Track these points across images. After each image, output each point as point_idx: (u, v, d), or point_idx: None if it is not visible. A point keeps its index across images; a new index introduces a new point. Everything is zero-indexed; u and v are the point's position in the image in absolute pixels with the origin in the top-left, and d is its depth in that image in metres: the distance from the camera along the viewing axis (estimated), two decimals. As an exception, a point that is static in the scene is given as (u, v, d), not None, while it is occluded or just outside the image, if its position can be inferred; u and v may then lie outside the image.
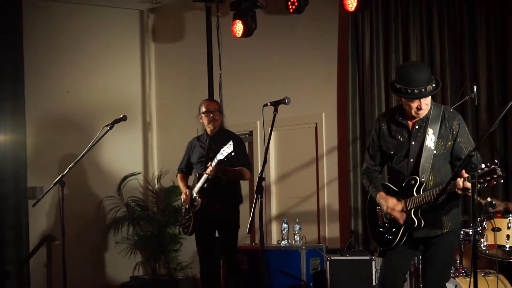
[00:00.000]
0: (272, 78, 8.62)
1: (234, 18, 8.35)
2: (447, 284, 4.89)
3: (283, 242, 7.54)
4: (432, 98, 4.75)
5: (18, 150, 8.65)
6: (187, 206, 6.88)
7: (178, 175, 7.16)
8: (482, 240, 5.70)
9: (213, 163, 6.49)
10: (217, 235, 6.88)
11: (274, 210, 8.62)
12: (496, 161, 4.30)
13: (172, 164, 7.31)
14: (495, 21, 6.75)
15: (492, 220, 5.70)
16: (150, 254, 9.42)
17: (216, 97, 8.74)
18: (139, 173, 9.82)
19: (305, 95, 8.19)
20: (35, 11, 9.08)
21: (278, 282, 7.29)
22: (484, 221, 5.72)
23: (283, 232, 7.56)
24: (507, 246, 5.66)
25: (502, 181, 4.33)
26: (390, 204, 4.77)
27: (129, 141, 9.74)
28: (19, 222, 8.60)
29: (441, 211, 4.71)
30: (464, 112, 6.73)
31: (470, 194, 4.37)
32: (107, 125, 6.09)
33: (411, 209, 4.71)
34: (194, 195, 6.77)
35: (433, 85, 4.63)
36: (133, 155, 9.86)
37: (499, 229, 5.66)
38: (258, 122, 8.69)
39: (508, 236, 5.65)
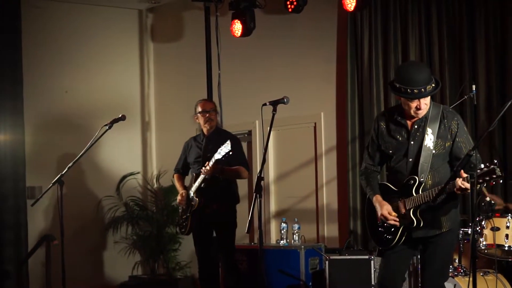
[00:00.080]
0: (271, 78, 8.62)
1: (233, 18, 8.34)
2: (446, 284, 4.89)
3: (282, 241, 7.55)
4: (431, 98, 4.76)
5: (17, 150, 8.64)
6: (184, 206, 6.88)
7: (175, 175, 7.16)
8: (481, 239, 5.71)
9: (211, 163, 6.49)
10: (214, 235, 6.88)
11: (273, 210, 8.62)
12: (495, 161, 4.30)
13: (171, 164, 7.31)
14: (494, 20, 6.75)
15: (491, 220, 5.70)
16: (149, 253, 9.42)
17: (215, 97, 8.74)
18: (138, 173, 9.82)
19: (304, 95, 8.19)
20: (33, 11, 9.07)
21: (277, 281, 7.30)
22: (483, 220, 5.73)
23: (282, 231, 7.57)
24: (506, 245, 5.66)
25: (501, 181, 4.33)
26: (384, 213, 4.78)
27: (128, 140, 9.74)
28: (18, 222, 8.60)
29: (439, 211, 4.72)
30: (463, 111, 6.73)
31: (469, 192, 4.38)
32: (106, 125, 6.10)
33: (410, 209, 4.71)
34: (192, 194, 6.77)
35: (433, 85, 4.63)
36: (132, 154, 9.86)
37: (498, 229, 5.66)
38: (257, 121, 8.69)
39: (507, 236, 5.66)
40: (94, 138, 6.08)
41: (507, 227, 5.66)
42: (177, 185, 7.08)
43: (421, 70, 4.66)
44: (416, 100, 4.64)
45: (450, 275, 5.61)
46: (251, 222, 5.05)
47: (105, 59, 9.66)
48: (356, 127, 7.72)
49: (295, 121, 8.31)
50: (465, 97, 6.46)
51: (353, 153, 7.72)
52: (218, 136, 6.79)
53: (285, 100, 5.24)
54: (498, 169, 4.25)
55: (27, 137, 8.75)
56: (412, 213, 4.70)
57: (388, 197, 4.83)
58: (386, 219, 4.77)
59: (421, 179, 4.69)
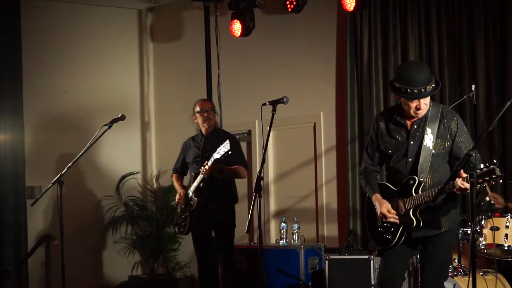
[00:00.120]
0: (270, 78, 8.62)
1: (233, 18, 8.34)
2: (445, 283, 4.89)
3: (281, 241, 7.55)
4: (431, 98, 4.75)
5: (16, 150, 8.65)
6: (182, 206, 6.89)
7: (173, 175, 7.16)
8: (480, 239, 5.71)
9: (210, 162, 6.50)
10: (213, 234, 6.88)
11: (272, 210, 8.63)
12: (495, 161, 4.30)
13: (170, 164, 7.31)
14: (493, 20, 6.75)
15: (490, 219, 5.70)
16: (148, 253, 9.42)
17: (215, 96, 8.74)
18: (138, 173, 9.82)
19: (303, 95, 8.19)
20: (33, 11, 9.07)
21: (276, 281, 7.30)
22: (482, 220, 5.73)
23: (282, 231, 7.57)
24: (506, 245, 5.67)
25: (501, 181, 4.33)
26: (383, 210, 4.78)
27: (127, 140, 9.74)
28: (18, 222, 8.60)
29: (439, 211, 4.72)
30: (462, 111, 6.74)
31: (468, 192, 4.38)
32: (105, 125, 6.10)
33: (409, 209, 4.71)
34: (190, 194, 6.77)
35: (433, 85, 4.63)
36: (131, 154, 9.86)
37: (497, 228, 5.66)
38: (256, 121, 8.69)
39: (506, 235, 5.66)
40: (94, 138, 6.08)
41: (507, 227, 5.66)
42: (176, 185, 7.08)
43: (421, 70, 4.66)
44: (416, 100, 4.64)
45: (449, 274, 5.62)
46: (250, 221, 5.05)
47: (105, 59, 9.66)
48: (356, 127, 7.72)
49: (295, 121, 8.31)
50: (465, 97, 6.46)
51: (353, 153, 7.72)
52: (216, 136, 6.79)
53: (285, 100, 5.23)
54: (498, 169, 4.25)
55: (26, 137, 8.76)
56: (412, 213, 4.70)
57: (388, 197, 4.83)
58: (385, 217, 4.77)
59: (421, 179, 4.69)
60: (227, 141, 6.42)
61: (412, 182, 4.71)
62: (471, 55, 6.89)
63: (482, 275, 5.76)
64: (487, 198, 5.86)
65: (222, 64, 8.72)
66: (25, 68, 8.74)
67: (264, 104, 5.26)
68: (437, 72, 7.02)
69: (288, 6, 7.84)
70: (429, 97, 4.69)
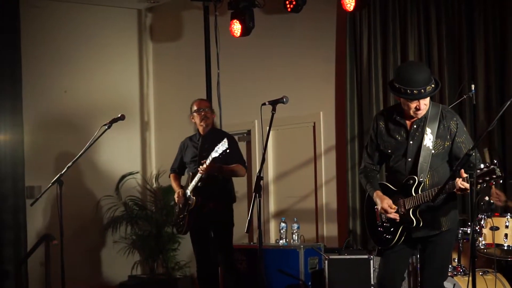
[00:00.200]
0: (270, 77, 8.62)
1: (232, 17, 8.34)
2: (445, 283, 4.89)
3: (281, 241, 7.55)
4: (431, 98, 4.75)
5: (16, 150, 8.65)
6: (181, 206, 6.89)
7: (171, 175, 7.17)
8: (480, 239, 5.71)
9: (208, 161, 6.50)
10: (212, 234, 6.87)
11: (272, 209, 8.62)
12: (495, 161, 4.30)
13: (170, 164, 7.31)
14: (493, 20, 6.75)
15: (490, 219, 5.70)
16: (148, 253, 9.42)
17: (214, 96, 8.74)
18: (137, 172, 9.82)
19: (303, 95, 8.19)
20: (32, 11, 9.07)
21: (276, 281, 7.30)
22: (482, 220, 5.73)
23: (281, 231, 7.57)
24: (505, 245, 5.66)
25: (501, 181, 4.33)
26: (384, 206, 4.78)
27: (127, 140, 9.74)
28: (17, 222, 8.60)
29: (439, 211, 4.72)
30: (462, 111, 6.73)
31: (468, 192, 4.38)
32: (105, 125, 6.10)
33: (409, 209, 4.71)
34: (188, 193, 6.77)
35: (433, 85, 4.63)
36: (131, 154, 9.86)
37: (497, 228, 5.66)
38: (256, 121, 8.68)
39: (506, 235, 5.66)
40: (93, 137, 6.08)
41: (506, 227, 5.66)
42: (174, 185, 7.09)
43: (421, 70, 4.65)
44: (416, 101, 4.63)
45: (449, 274, 5.62)
46: (250, 221, 5.05)
47: (104, 59, 9.66)
48: (355, 127, 7.72)
49: (295, 120, 8.31)
50: (464, 96, 6.46)
51: (352, 153, 7.72)
52: (214, 135, 6.79)
53: (285, 99, 5.23)
54: (498, 169, 4.25)
55: (26, 136, 8.76)
56: (412, 213, 4.70)
57: (388, 196, 4.83)
58: (387, 212, 4.76)
59: (420, 179, 4.69)
60: (225, 140, 6.42)
61: (411, 182, 4.71)
62: (470, 55, 6.89)
63: (481, 275, 5.76)
64: (487, 198, 5.86)
65: (222, 64, 8.72)
66: (25, 68, 8.74)
67: (264, 104, 5.25)
68: (437, 72, 7.02)
69: (288, 6, 7.84)
70: (429, 98, 4.69)
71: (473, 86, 6.41)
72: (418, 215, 4.70)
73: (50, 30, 9.32)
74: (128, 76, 9.94)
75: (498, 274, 5.80)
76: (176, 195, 6.92)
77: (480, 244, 5.71)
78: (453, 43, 7.02)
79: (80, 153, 6.10)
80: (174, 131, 9.43)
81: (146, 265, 9.56)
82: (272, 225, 8.59)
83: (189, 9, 9.38)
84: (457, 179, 4.46)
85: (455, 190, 4.50)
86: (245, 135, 8.97)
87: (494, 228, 5.67)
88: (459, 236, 5.90)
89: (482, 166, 4.31)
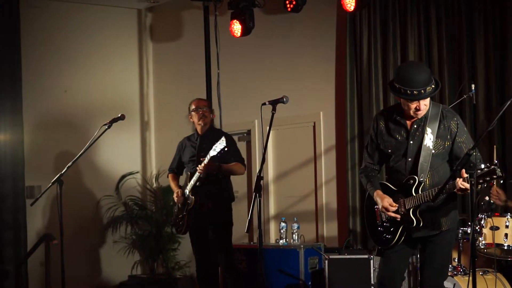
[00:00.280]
0: (270, 77, 8.62)
1: (232, 17, 8.34)
2: (445, 283, 4.89)
3: (281, 241, 7.54)
4: (431, 98, 4.75)
5: (16, 149, 8.65)
6: (179, 205, 6.88)
7: (169, 175, 7.17)
8: (480, 238, 5.71)
9: (206, 160, 6.49)
10: (211, 234, 6.86)
11: (272, 209, 8.62)
12: (496, 161, 4.30)
13: (170, 164, 7.32)
14: (493, 20, 6.75)
15: (490, 219, 5.70)
16: (148, 253, 9.42)
17: (214, 96, 8.74)
18: (137, 172, 9.82)
19: (303, 94, 8.19)
20: (32, 11, 9.07)
21: (276, 281, 7.30)
22: (482, 219, 5.73)
23: (282, 231, 7.57)
24: (505, 244, 5.66)
25: (501, 181, 4.33)
26: (385, 204, 4.77)
27: (127, 140, 9.74)
28: (17, 222, 8.60)
29: (439, 211, 4.72)
30: (462, 111, 6.74)
31: (469, 192, 4.38)
32: (105, 124, 6.09)
33: (409, 209, 4.71)
34: (187, 193, 6.77)
35: (433, 86, 4.62)
36: (131, 154, 9.86)
37: (497, 228, 5.66)
38: (256, 121, 8.68)
39: (506, 235, 5.65)
40: (94, 137, 6.08)
41: (506, 226, 5.65)
42: (172, 185, 7.08)
43: (421, 70, 4.65)
44: (416, 101, 4.63)
45: (449, 274, 5.62)
46: (250, 221, 5.05)
47: (104, 59, 9.66)
48: (355, 127, 7.72)
49: (295, 120, 8.31)
50: (464, 96, 6.45)
51: (352, 153, 7.72)
52: (212, 134, 6.78)
53: (285, 99, 5.23)
54: (498, 169, 4.25)
55: (26, 136, 8.76)
56: (412, 213, 4.70)
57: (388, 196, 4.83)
58: (387, 210, 4.76)
59: (421, 179, 4.68)
60: (223, 138, 6.42)
61: (412, 182, 4.71)
62: (471, 55, 6.89)
63: (482, 274, 5.76)
64: (487, 198, 5.86)
65: (222, 64, 8.72)
66: (25, 68, 8.74)
67: (264, 103, 5.25)
68: (437, 72, 7.02)
69: (288, 5, 7.84)
70: (429, 98, 4.69)
71: (473, 86, 6.40)
72: (418, 215, 4.70)
73: (50, 30, 9.32)
74: (128, 76, 9.94)
75: (498, 274, 5.80)
76: (175, 195, 6.92)
77: (480, 244, 5.71)
78: (453, 43, 7.02)
79: (80, 153, 6.10)
80: (174, 131, 9.43)
81: (146, 265, 9.56)
82: (272, 225, 8.59)
83: (189, 9, 9.38)
84: (458, 179, 4.46)
85: (455, 190, 4.50)
86: (245, 135, 8.97)
87: (494, 228, 5.67)
88: (459, 235, 5.90)
89: (482, 166, 4.31)
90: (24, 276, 8.57)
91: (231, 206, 6.89)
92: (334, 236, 8.01)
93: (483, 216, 5.73)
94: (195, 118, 6.90)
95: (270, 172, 8.62)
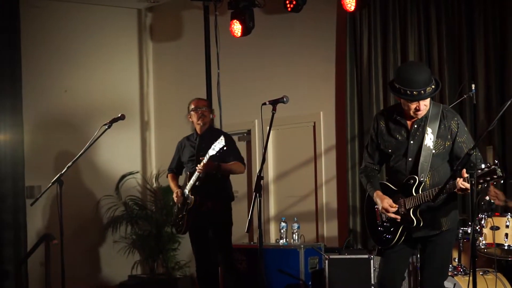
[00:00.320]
0: (270, 77, 8.62)
1: (232, 17, 8.34)
2: (445, 283, 4.89)
3: (281, 241, 7.54)
4: (431, 98, 4.74)
5: (16, 149, 8.65)
6: (179, 205, 6.88)
7: (169, 175, 7.17)
8: (480, 238, 5.71)
9: (205, 159, 6.49)
10: (210, 234, 6.86)
11: (272, 209, 8.62)
12: (496, 161, 4.30)
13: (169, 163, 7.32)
14: (493, 20, 6.75)
15: (490, 219, 5.70)
16: (148, 253, 9.42)
17: (214, 96, 8.74)
18: (137, 172, 9.82)
19: (303, 94, 8.19)
20: (32, 11, 9.07)
21: (276, 281, 7.30)
22: (482, 219, 5.72)
23: (282, 231, 7.56)
24: (506, 244, 5.66)
25: (502, 181, 4.33)
26: (385, 205, 4.77)
27: (127, 140, 9.74)
28: (17, 222, 8.60)
29: (439, 211, 4.72)
30: (462, 111, 6.74)
31: (469, 192, 4.38)
32: (105, 124, 6.09)
33: (410, 209, 4.71)
34: (187, 193, 6.77)
35: (433, 86, 4.62)
36: (131, 154, 9.86)
37: (497, 228, 5.66)
38: (256, 121, 8.68)
39: (506, 235, 5.66)
40: (94, 137, 6.07)
41: (507, 226, 5.65)
42: (171, 185, 7.08)
43: (421, 71, 4.64)
44: (416, 102, 4.63)
45: (449, 274, 5.61)
46: (250, 221, 5.05)
47: (104, 59, 9.66)
48: (356, 127, 7.72)
49: (295, 120, 8.31)
50: (465, 96, 6.45)
51: (353, 153, 7.72)
52: (211, 134, 6.78)
53: (285, 99, 5.22)
54: (499, 169, 4.25)
55: (26, 136, 8.76)
56: (412, 213, 4.70)
57: (388, 196, 4.82)
58: (388, 211, 4.75)
59: (421, 179, 4.68)
60: (222, 137, 6.42)
61: (412, 181, 4.70)
62: (471, 55, 6.89)
63: (482, 274, 5.76)
64: (487, 198, 5.86)
65: (222, 64, 8.72)
66: (25, 68, 8.74)
67: (264, 103, 5.24)
68: (437, 72, 7.02)
69: (288, 5, 7.84)
70: (429, 98, 4.69)
71: (473, 85, 6.40)
72: (418, 215, 4.69)
73: (50, 30, 9.32)
74: (128, 75, 9.94)
75: (499, 274, 5.80)
76: (174, 195, 6.92)
77: (481, 243, 5.71)
78: (453, 43, 7.02)
79: (80, 153, 6.09)
80: (174, 131, 9.43)
81: (146, 265, 9.56)
82: (272, 225, 8.59)
83: (189, 8, 9.38)
84: (458, 179, 4.46)
85: (455, 190, 4.50)
86: (245, 135, 8.97)
87: (494, 228, 5.67)
88: (460, 235, 5.90)
89: (483, 166, 4.30)
90: (24, 276, 8.57)
91: (231, 206, 6.89)
92: (334, 236, 8.01)
93: (484, 216, 5.73)
94: (194, 118, 6.90)
95: (270, 172, 8.62)
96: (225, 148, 6.40)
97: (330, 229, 8.07)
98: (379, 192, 4.84)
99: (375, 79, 7.54)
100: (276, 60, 8.63)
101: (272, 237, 8.49)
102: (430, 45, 7.17)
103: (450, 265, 5.68)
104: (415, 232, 4.75)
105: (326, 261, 6.91)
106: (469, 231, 5.85)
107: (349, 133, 7.75)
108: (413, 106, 4.66)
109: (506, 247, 5.69)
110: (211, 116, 7.02)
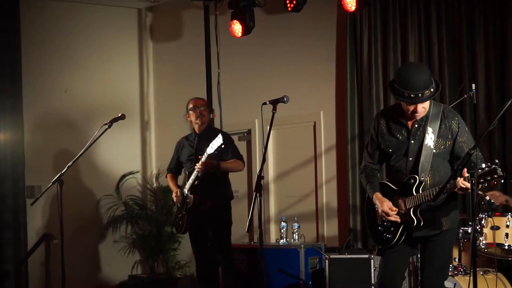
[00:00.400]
0: (270, 77, 8.62)
1: (232, 17, 8.34)
2: (446, 283, 4.89)
3: (281, 240, 7.54)
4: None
5: (16, 149, 8.64)
6: (179, 205, 6.88)
7: (168, 175, 7.18)
8: (481, 238, 5.70)
9: (203, 158, 6.49)
10: (210, 234, 6.85)
11: (272, 209, 8.62)
12: (497, 161, 4.30)
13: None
14: (493, 20, 6.75)
15: (491, 218, 5.70)
16: (148, 252, 9.41)
17: (215, 96, 8.74)
18: (137, 172, 9.82)
19: (303, 94, 8.19)
20: (32, 10, 9.07)
21: (277, 281, 7.29)
22: (483, 219, 5.72)
23: (282, 230, 7.57)
24: (506, 244, 5.66)
25: (502, 181, 4.33)
26: (385, 209, 4.77)
27: (127, 139, 9.74)
28: (17, 222, 8.60)
29: (440, 211, 4.72)
30: (462, 110, 6.73)
31: (469, 191, 4.38)
32: (105, 124, 6.09)
33: (410, 208, 4.71)
34: (186, 192, 6.77)
35: (431, 89, 4.61)
36: (131, 153, 9.85)
37: (498, 228, 5.66)
38: (256, 120, 8.68)
39: (506, 235, 5.66)
40: (94, 137, 6.07)
41: (507, 226, 5.65)
42: (171, 185, 7.09)
43: (421, 72, 4.63)
44: (413, 104, 4.63)
45: (450, 274, 5.61)
46: (251, 221, 5.05)
47: (104, 58, 9.66)
48: (356, 126, 7.72)
49: (295, 120, 8.31)
50: (465, 96, 6.45)
51: (353, 152, 7.72)
52: (209, 133, 6.78)
53: (285, 99, 5.22)
54: (499, 169, 4.25)
55: (26, 136, 8.75)
56: (412, 212, 4.70)
57: (388, 196, 4.83)
58: (388, 215, 4.76)
59: (421, 178, 4.68)
60: (219, 135, 6.41)
61: (412, 181, 4.71)
62: (471, 55, 6.89)
63: (482, 274, 5.76)
64: (487, 197, 5.86)
65: (222, 63, 8.72)
66: (25, 68, 8.74)
67: (264, 103, 5.25)
68: (437, 72, 7.02)
69: (288, 5, 7.83)
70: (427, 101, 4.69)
71: (473, 85, 6.40)
72: (418, 215, 4.69)
73: (50, 29, 9.31)
74: (128, 75, 9.94)
75: (499, 274, 5.80)
76: (174, 195, 6.92)
77: (481, 243, 5.71)
78: (453, 43, 7.02)
79: (80, 153, 6.09)
80: (174, 131, 9.42)
81: (146, 265, 9.56)
82: (273, 225, 8.58)
83: (189, 8, 9.38)
84: (458, 178, 4.46)
85: (456, 189, 4.50)
86: (245, 134, 8.97)
87: (494, 228, 5.67)
88: (460, 235, 5.89)
89: (483, 165, 4.30)
90: (24, 276, 8.57)
91: (230, 205, 6.89)
92: (334, 236, 8.01)
93: (484, 215, 5.73)
94: (192, 117, 6.90)
95: (271, 171, 8.62)
96: (223, 146, 6.40)
97: (330, 228, 8.07)
98: (378, 194, 4.84)
99: (375, 79, 7.54)
100: (277, 60, 8.62)
101: (273, 237, 8.49)
102: (430, 45, 7.17)
103: (451, 265, 5.68)
104: (415, 231, 4.75)
105: (327, 261, 6.91)
106: (469, 231, 5.85)
107: (349, 133, 7.75)
108: (411, 108, 4.66)
109: (506, 247, 5.69)
110: (210, 115, 7.02)
